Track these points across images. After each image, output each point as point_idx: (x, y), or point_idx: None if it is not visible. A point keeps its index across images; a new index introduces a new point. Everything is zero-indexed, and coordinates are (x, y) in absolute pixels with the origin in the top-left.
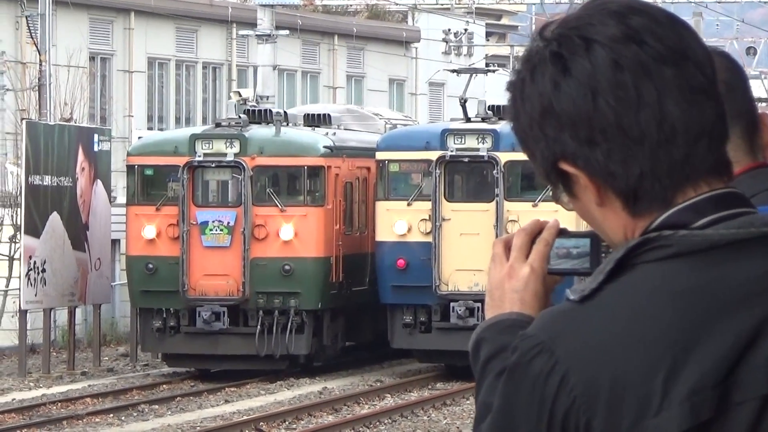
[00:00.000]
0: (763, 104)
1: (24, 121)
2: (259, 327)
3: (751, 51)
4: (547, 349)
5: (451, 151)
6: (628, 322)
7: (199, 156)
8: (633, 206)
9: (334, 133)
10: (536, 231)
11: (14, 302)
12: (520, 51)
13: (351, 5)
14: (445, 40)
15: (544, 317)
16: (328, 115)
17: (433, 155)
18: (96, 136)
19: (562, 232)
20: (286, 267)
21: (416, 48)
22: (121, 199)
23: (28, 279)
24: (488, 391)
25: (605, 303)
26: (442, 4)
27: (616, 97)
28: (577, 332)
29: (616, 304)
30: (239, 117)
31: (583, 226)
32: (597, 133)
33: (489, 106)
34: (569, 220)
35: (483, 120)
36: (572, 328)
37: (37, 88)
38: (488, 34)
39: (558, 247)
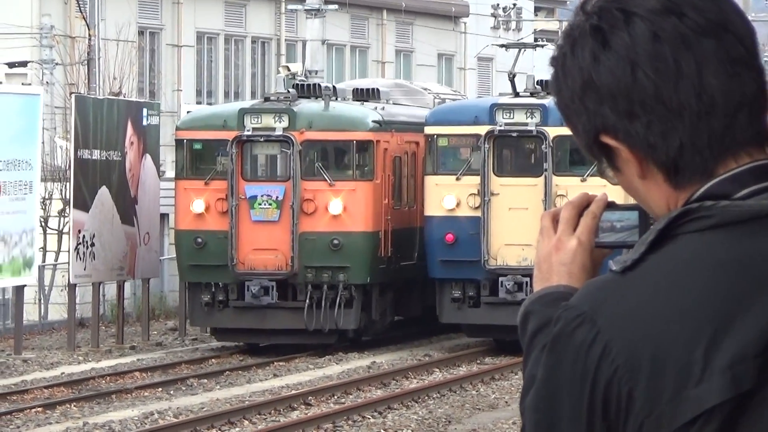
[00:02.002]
0: None
1: (73, 95)
2: (307, 301)
3: None
4: (589, 320)
5: (500, 126)
6: (669, 292)
7: (248, 130)
8: (674, 178)
9: (383, 108)
10: (584, 204)
11: (63, 276)
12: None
13: None
14: (493, 15)
15: (587, 288)
16: (377, 89)
17: (482, 130)
18: (145, 111)
19: (610, 205)
20: (335, 241)
21: (465, 23)
22: (170, 173)
23: (77, 253)
24: (535, 364)
25: (647, 274)
26: None
27: (655, 69)
28: (618, 303)
29: (658, 274)
30: (288, 91)
31: (631, 200)
32: (636, 105)
33: (538, 81)
34: (617, 194)
35: (531, 95)
36: (614, 298)
37: (86, 62)
38: (537, 9)
39: (605, 220)
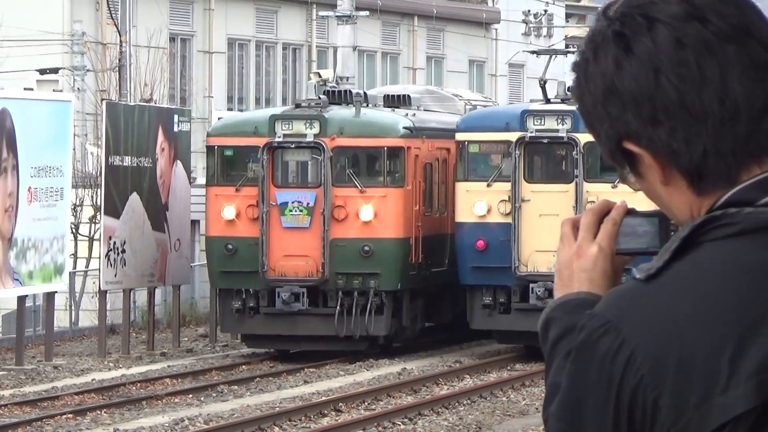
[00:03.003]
0: None
1: (104, 102)
2: (338, 308)
3: None
4: (613, 328)
5: (531, 132)
6: (694, 300)
7: (279, 137)
8: (698, 184)
9: (414, 114)
10: (604, 211)
11: (94, 283)
12: None
13: None
14: (524, 21)
15: (610, 296)
16: (408, 96)
17: (513, 136)
18: (176, 117)
19: (630, 212)
20: (366, 248)
21: (496, 29)
22: (201, 179)
23: (108, 259)
24: (557, 372)
25: (671, 281)
26: None
27: (678, 75)
28: (643, 311)
29: (682, 282)
30: (319, 98)
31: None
32: (660, 111)
33: (568, 87)
34: (646, 201)
35: (563, 101)
36: (638, 306)
37: (117, 68)
38: (568, 16)
39: (626, 227)
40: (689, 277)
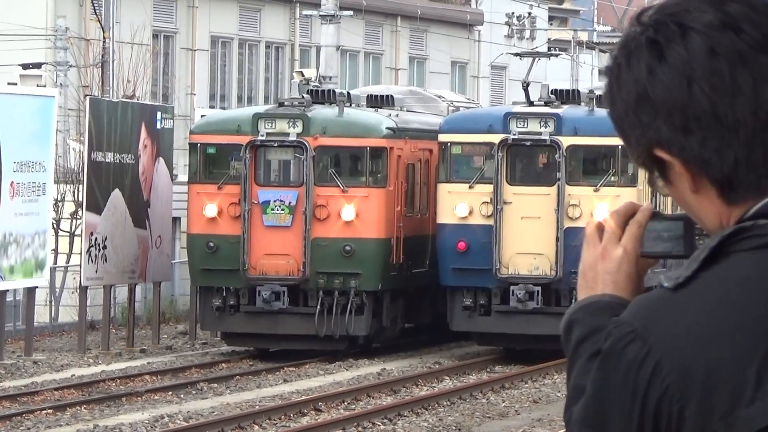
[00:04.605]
0: None
1: (87, 98)
2: (318, 307)
3: None
4: (640, 337)
5: (514, 135)
6: (721, 310)
7: (262, 135)
8: (728, 194)
9: (397, 115)
10: (629, 213)
11: (74, 278)
12: (582, 36)
13: None
14: (507, 24)
15: (638, 304)
16: (391, 96)
17: (496, 138)
18: (159, 114)
19: (655, 215)
20: (347, 248)
21: (479, 31)
22: (182, 177)
23: (89, 255)
24: (580, 374)
25: (699, 291)
26: None
27: (711, 85)
28: (670, 320)
29: (710, 292)
30: (302, 97)
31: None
32: (692, 120)
33: (552, 90)
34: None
35: (546, 104)
36: (666, 315)
37: (100, 64)
38: (551, 18)
39: (651, 230)
40: (717, 288)
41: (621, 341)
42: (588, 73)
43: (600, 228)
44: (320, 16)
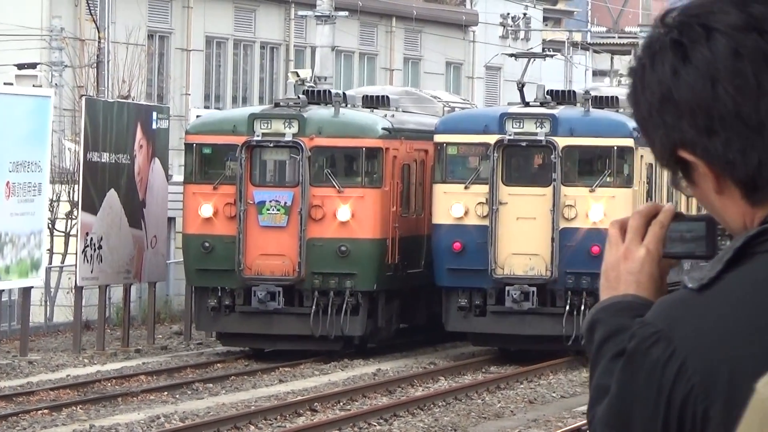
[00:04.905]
0: None
1: (83, 98)
2: (314, 307)
3: None
4: (665, 337)
5: (510, 135)
6: (745, 311)
7: (258, 135)
8: (752, 195)
9: (393, 115)
10: (652, 214)
11: (69, 278)
12: (576, 36)
13: None
14: (502, 24)
15: (662, 305)
16: (387, 97)
17: (492, 139)
18: (154, 114)
19: (677, 216)
20: (342, 248)
21: (474, 31)
22: (177, 177)
23: (85, 255)
24: (603, 374)
25: (724, 292)
26: None
27: (735, 86)
28: (695, 321)
29: (734, 293)
30: (298, 97)
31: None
32: (716, 121)
33: (547, 91)
34: (626, 204)
35: (541, 104)
36: (690, 316)
37: (95, 65)
38: (545, 19)
39: (673, 231)
40: (741, 289)
41: (645, 342)
42: (582, 73)
43: (623, 228)
44: (315, 16)
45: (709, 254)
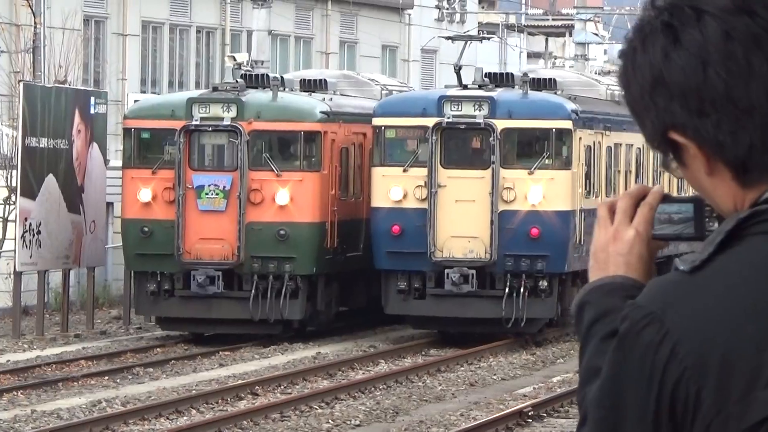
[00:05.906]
0: None
1: (21, 83)
2: (253, 291)
3: None
4: (657, 320)
5: (448, 118)
6: (738, 293)
7: (196, 120)
8: (742, 177)
9: (331, 99)
10: (640, 195)
11: (8, 264)
12: (511, 19)
13: None
14: (438, 7)
15: (654, 287)
16: (325, 80)
17: (430, 122)
18: (92, 99)
19: (666, 197)
20: (281, 232)
21: (409, 14)
22: (114, 162)
23: (24, 241)
24: (593, 355)
25: (715, 274)
26: None
27: (726, 68)
28: (687, 303)
29: (727, 275)
30: (236, 81)
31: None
32: (707, 103)
33: (485, 74)
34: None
35: (479, 87)
36: (682, 298)
37: (31, 50)
38: (480, 2)
39: (661, 212)
40: (733, 271)
41: (638, 324)
42: (517, 56)
43: (611, 210)
44: (252, 0)
45: (697, 236)
